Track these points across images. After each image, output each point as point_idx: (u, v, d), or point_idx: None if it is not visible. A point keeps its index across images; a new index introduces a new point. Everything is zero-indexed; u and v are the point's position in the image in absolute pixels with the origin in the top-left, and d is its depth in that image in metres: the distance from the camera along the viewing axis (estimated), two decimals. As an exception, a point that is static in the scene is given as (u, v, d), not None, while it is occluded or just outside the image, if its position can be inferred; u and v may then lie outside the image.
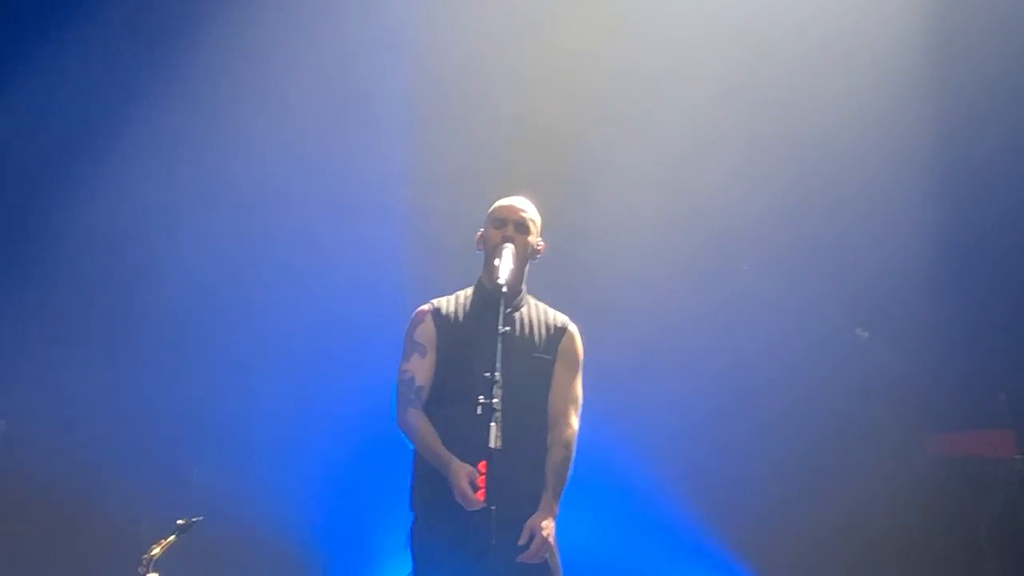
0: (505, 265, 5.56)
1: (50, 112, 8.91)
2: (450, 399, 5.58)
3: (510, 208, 5.74)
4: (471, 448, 5.29)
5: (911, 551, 8.84)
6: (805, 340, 9.04)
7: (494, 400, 5.17)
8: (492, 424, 5.15)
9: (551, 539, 5.51)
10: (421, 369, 5.63)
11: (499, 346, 5.30)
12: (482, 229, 5.78)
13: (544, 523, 5.48)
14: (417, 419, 5.58)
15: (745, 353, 9.01)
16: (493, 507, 5.23)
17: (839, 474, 8.87)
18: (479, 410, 5.17)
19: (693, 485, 8.84)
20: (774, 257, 9.16)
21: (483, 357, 5.33)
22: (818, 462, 8.85)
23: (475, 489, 5.31)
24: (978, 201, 8.96)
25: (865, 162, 9.03)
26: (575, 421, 5.68)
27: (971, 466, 8.93)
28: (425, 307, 5.77)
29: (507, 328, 5.42)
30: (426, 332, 5.69)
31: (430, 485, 5.54)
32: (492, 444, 5.14)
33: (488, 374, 5.22)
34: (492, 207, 5.80)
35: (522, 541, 5.46)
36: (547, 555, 5.52)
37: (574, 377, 5.75)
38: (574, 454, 5.64)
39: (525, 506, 5.50)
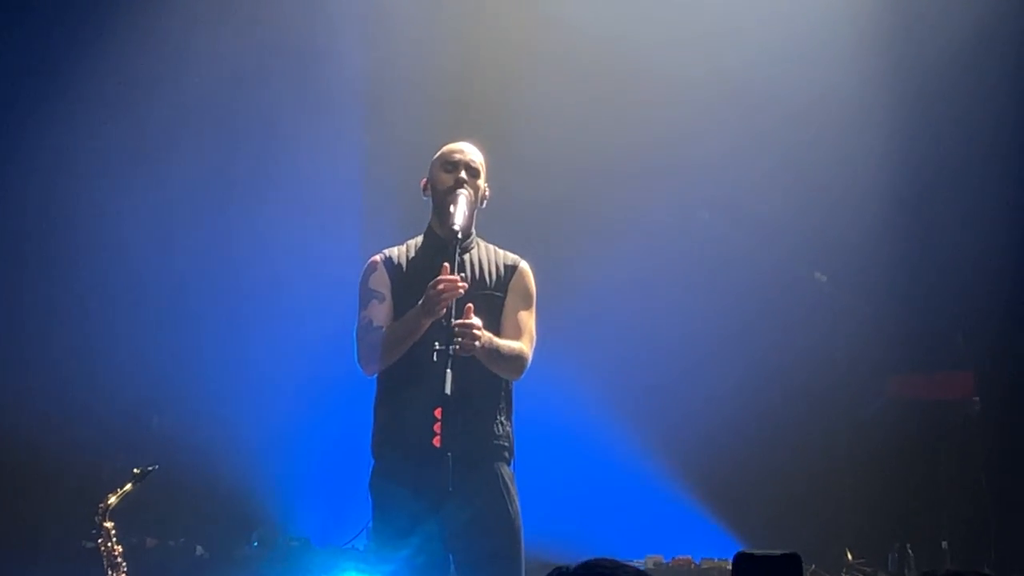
0: (460, 211, 5.48)
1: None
2: (406, 346, 5.52)
3: (461, 152, 5.64)
4: (427, 394, 5.22)
5: (869, 492, 8.91)
6: (763, 284, 9.07)
7: (450, 347, 5.15)
8: (448, 370, 5.12)
9: (479, 333, 5.27)
10: (380, 313, 5.55)
11: (453, 291, 5.28)
12: (427, 175, 5.67)
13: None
14: (377, 333, 5.49)
15: (706, 300, 9.03)
16: (450, 453, 5.19)
17: (799, 416, 8.93)
18: (434, 356, 5.15)
19: (655, 433, 8.89)
20: (733, 202, 9.18)
21: (436, 303, 5.28)
22: (778, 405, 8.90)
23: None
24: (936, 143, 8.99)
25: (823, 106, 9.04)
26: (528, 351, 5.54)
27: (930, 408, 8.98)
28: (376, 257, 5.69)
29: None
30: (380, 280, 5.62)
31: (390, 432, 5.50)
32: (447, 390, 5.10)
33: (443, 320, 5.20)
34: (439, 152, 5.69)
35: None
36: (472, 344, 5.27)
37: (527, 311, 5.62)
38: (526, 366, 5.51)
39: (483, 450, 5.44)
